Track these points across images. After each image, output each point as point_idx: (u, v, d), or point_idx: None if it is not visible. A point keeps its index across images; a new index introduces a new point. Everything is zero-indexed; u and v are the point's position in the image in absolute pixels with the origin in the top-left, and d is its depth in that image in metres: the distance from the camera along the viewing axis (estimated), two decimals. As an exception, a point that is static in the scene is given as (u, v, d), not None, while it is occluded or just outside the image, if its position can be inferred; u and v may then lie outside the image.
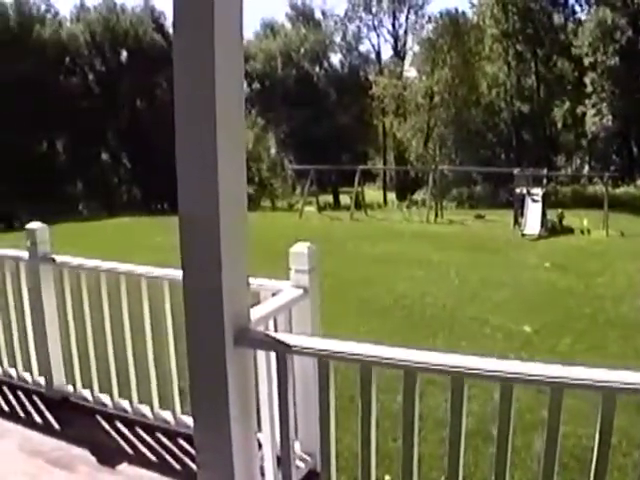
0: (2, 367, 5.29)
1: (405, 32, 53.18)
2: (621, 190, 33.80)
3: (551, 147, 45.37)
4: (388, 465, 4.09)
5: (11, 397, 5.11)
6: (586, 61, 40.82)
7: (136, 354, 4.45)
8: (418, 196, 33.00)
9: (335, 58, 58.58)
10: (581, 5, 45.02)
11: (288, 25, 59.24)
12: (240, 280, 2.82)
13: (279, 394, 2.92)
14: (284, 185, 46.54)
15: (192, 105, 2.62)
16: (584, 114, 41.52)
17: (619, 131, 41.43)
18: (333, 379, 2.78)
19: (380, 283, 11.80)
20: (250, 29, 58.88)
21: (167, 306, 4.19)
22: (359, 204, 28.09)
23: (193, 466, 3.81)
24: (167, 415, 4.43)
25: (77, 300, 4.68)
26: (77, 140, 45.59)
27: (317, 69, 56.83)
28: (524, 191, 22.69)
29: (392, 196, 45.97)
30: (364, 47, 57.94)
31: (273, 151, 50.09)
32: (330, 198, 45.11)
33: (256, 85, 52.28)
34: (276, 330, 3.47)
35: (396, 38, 53.52)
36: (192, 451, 3.97)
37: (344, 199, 39.69)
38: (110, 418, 4.66)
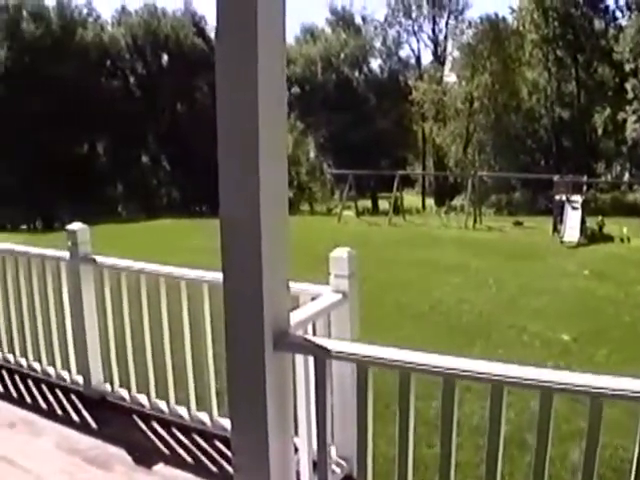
0: (41, 365, 5.36)
1: (445, 37, 53.15)
2: (661, 198, 33.30)
3: (591, 154, 44.69)
4: (423, 471, 4.06)
5: (49, 395, 5.17)
6: (627, 67, 40.27)
7: (174, 355, 4.47)
8: (457, 202, 32.84)
9: (375, 63, 58.74)
10: (622, 11, 44.34)
11: (328, 30, 59.39)
12: (280, 283, 2.81)
13: (317, 399, 2.92)
14: (323, 189, 46.59)
15: (234, 108, 2.62)
16: (625, 120, 40.92)
17: (660, 138, 40.75)
18: (371, 385, 2.76)
19: (417, 289, 11.72)
20: (290, 34, 59.17)
21: (206, 307, 4.20)
22: (397, 209, 27.90)
23: (229, 468, 3.82)
24: (204, 417, 4.44)
25: (116, 300, 4.73)
26: (118, 142, 46.14)
27: (357, 74, 56.84)
28: (563, 198, 22.40)
29: (431, 202, 45.78)
30: (404, 52, 57.85)
31: (312, 155, 50.10)
32: (368, 203, 44.88)
33: (296, 89, 52.34)
34: (315, 335, 3.46)
35: (436, 43, 53.43)
36: (228, 453, 3.97)
37: (382, 204, 39.46)
38: (147, 418, 4.69)
